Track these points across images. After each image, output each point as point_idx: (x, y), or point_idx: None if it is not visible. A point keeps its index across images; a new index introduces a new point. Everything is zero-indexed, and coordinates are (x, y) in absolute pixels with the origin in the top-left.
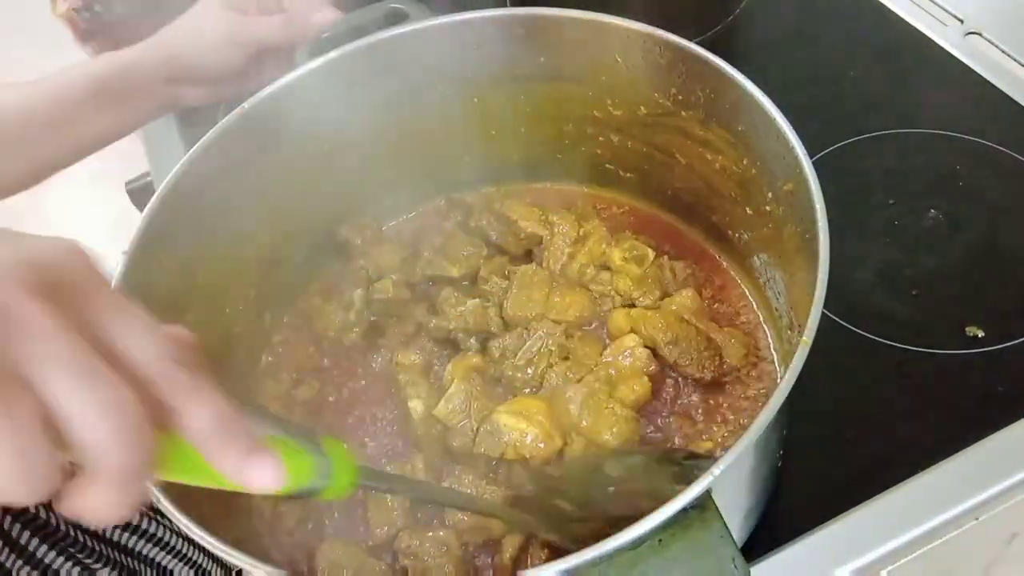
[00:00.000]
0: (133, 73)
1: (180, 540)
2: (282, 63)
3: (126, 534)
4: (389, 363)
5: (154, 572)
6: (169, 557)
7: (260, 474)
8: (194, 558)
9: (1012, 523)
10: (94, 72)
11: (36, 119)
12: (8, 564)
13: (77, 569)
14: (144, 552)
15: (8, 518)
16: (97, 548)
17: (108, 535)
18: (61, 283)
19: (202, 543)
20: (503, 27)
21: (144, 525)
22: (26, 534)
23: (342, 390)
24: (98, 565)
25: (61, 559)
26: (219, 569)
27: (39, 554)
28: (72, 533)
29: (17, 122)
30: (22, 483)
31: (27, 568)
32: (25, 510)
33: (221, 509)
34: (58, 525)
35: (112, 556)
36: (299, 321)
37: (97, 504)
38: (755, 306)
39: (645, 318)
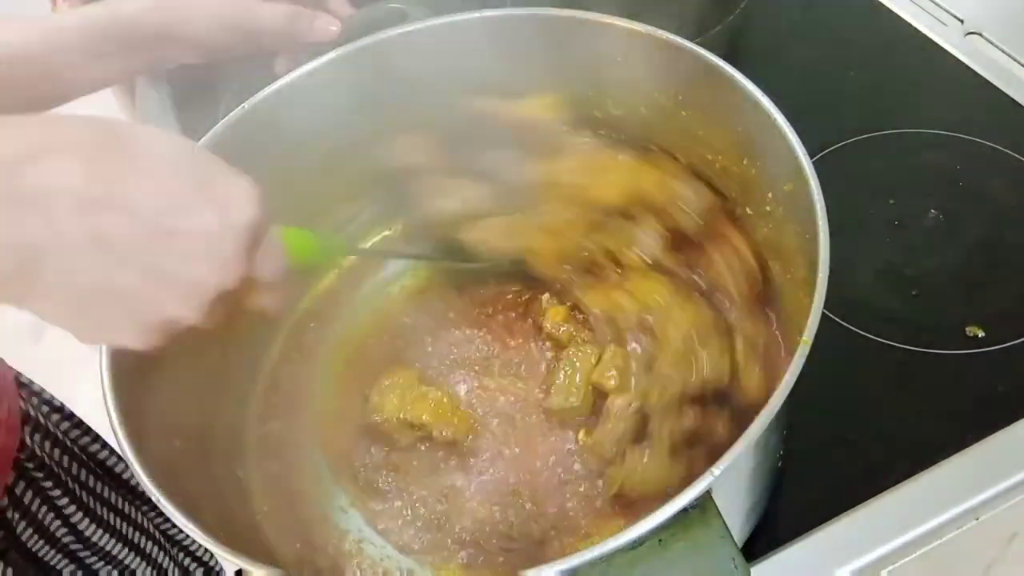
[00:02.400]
0: (128, 32)
1: (170, 544)
2: (281, 48)
3: (131, 528)
4: None
5: (153, 571)
6: (166, 558)
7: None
8: (185, 563)
9: (1012, 523)
10: (90, 24)
11: (27, 61)
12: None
13: (74, 566)
14: (147, 550)
15: (15, 515)
16: (101, 546)
17: (112, 526)
18: None
19: (205, 544)
20: (503, 27)
21: (137, 531)
22: (28, 531)
23: None
24: (95, 560)
25: (60, 557)
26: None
27: (40, 553)
28: (78, 530)
29: (7, 62)
30: None
31: (29, 566)
32: (31, 510)
33: (223, 512)
34: (64, 522)
35: (114, 554)
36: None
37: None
38: None
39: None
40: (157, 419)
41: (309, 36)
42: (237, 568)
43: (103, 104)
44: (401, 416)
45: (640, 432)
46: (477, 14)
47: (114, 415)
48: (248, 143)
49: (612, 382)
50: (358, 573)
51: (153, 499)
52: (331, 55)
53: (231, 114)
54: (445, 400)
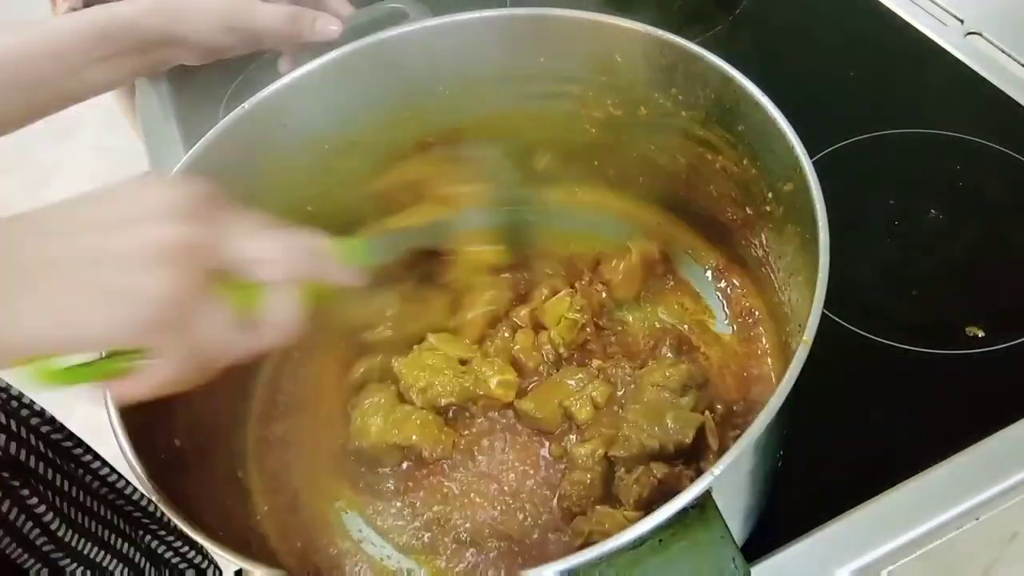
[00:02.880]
0: (128, 34)
1: (158, 542)
2: (282, 48)
3: (111, 534)
4: None
5: (128, 571)
6: (144, 559)
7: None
8: (172, 560)
9: (1012, 523)
10: (90, 27)
11: (28, 65)
12: None
13: (47, 570)
14: (122, 550)
15: None
16: (79, 550)
17: (89, 529)
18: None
19: (204, 544)
20: (503, 27)
21: (119, 536)
22: (6, 540)
23: None
24: (68, 561)
25: (33, 561)
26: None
27: (13, 556)
28: (58, 536)
29: (7, 67)
30: None
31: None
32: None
33: (223, 512)
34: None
35: (85, 553)
36: None
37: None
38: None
39: None
40: (157, 419)
41: (310, 36)
42: (237, 568)
43: (103, 103)
44: (388, 440)
45: (608, 481)
46: (477, 14)
47: (114, 415)
48: (248, 143)
49: (583, 414)
50: (358, 573)
51: (154, 500)
52: (331, 55)
53: (231, 114)
54: (431, 418)
